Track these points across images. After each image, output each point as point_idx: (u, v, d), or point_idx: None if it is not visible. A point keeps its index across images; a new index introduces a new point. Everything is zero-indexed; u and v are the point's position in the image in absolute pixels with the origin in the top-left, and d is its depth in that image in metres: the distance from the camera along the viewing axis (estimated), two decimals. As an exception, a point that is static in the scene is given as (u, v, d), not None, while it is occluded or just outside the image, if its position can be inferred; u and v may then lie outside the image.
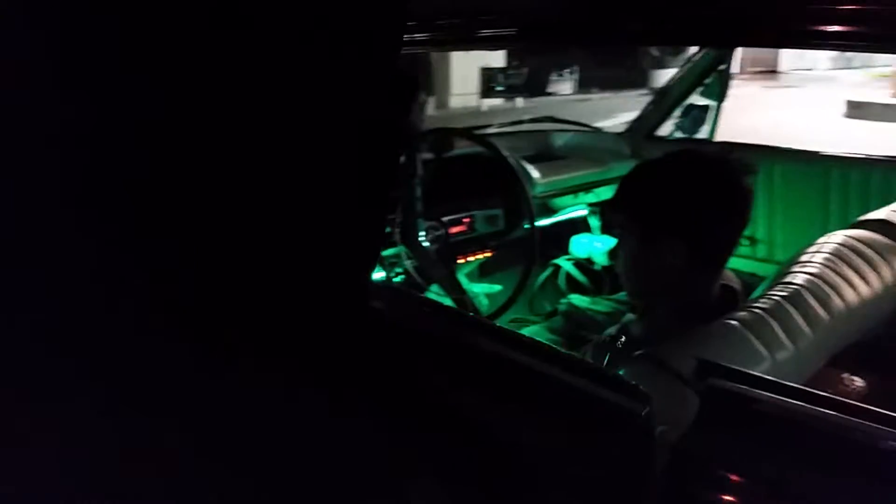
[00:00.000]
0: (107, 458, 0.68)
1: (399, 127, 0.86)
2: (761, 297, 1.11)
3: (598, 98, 12.24)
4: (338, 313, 0.82)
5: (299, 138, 0.73)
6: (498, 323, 2.45)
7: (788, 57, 17.73)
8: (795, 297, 1.09)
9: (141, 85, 0.64)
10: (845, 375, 1.12)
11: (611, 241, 2.75)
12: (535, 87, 2.50)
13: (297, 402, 0.79)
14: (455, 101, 11.48)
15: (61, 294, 0.66)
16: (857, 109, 9.70)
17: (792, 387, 0.83)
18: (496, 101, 11.98)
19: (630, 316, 1.33)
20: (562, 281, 2.64)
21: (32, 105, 0.61)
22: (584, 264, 2.66)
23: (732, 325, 1.02)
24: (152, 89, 0.65)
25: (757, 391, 0.82)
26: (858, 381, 1.11)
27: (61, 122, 0.62)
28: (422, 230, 1.84)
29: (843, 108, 9.94)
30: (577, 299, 2.20)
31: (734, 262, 2.49)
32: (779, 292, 1.11)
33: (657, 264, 1.16)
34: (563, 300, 2.40)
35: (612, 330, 1.24)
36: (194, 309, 0.72)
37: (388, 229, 1.83)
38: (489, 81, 2.28)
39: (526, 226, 2.42)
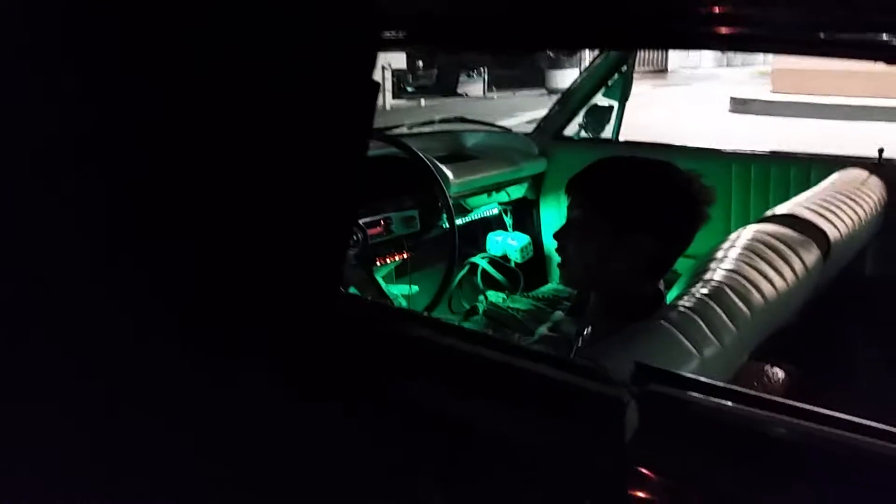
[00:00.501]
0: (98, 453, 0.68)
1: (365, 130, 0.83)
2: (684, 294, 1.13)
3: (499, 97, 12.48)
4: (308, 312, 0.83)
5: (271, 143, 0.73)
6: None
7: (676, 57, 18.60)
8: (717, 294, 1.11)
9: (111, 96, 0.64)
10: (767, 367, 1.16)
11: (524, 239, 2.81)
12: (445, 88, 2.46)
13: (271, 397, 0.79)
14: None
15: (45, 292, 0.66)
16: (741, 105, 10.28)
17: (721, 386, 0.84)
18: (402, 102, 12.06)
19: (559, 314, 1.33)
20: (479, 279, 2.64)
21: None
22: (500, 262, 2.68)
23: (663, 325, 1.02)
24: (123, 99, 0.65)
25: (691, 394, 0.82)
26: (779, 372, 1.14)
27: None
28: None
29: (728, 104, 10.50)
30: (495, 296, 2.20)
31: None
32: (701, 290, 1.12)
33: (619, 258, 1.18)
34: (480, 297, 2.41)
35: (543, 329, 1.23)
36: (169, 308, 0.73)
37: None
38: (399, 82, 2.24)
39: (445, 226, 2.41)
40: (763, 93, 10.70)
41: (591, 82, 2.64)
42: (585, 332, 1.17)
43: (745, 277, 1.18)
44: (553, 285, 2.51)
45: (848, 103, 8.98)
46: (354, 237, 1.81)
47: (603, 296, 1.22)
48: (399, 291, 2.42)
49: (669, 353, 0.99)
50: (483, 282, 2.64)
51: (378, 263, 2.15)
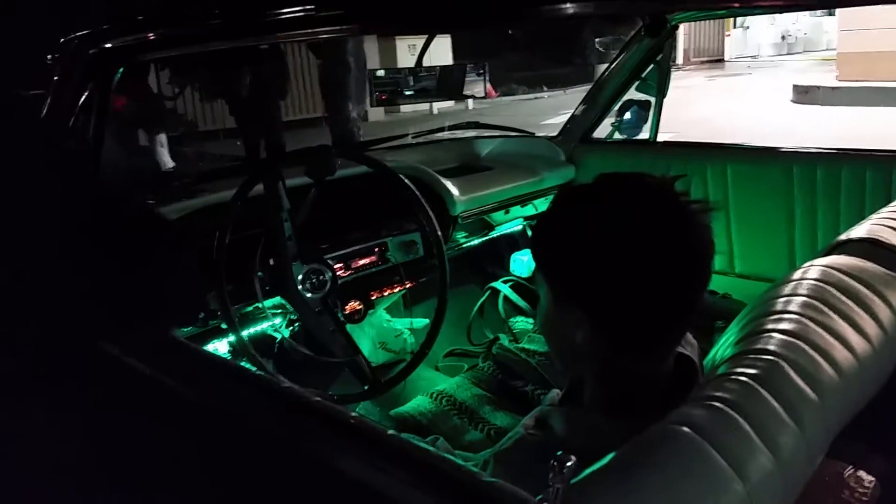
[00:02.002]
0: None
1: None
2: (723, 375, 0.79)
3: (549, 96, 12.10)
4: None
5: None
6: (434, 357, 2.14)
7: (733, 45, 17.79)
8: (771, 376, 0.77)
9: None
10: (849, 471, 0.80)
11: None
12: (449, 90, 2.18)
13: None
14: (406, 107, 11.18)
15: None
16: (805, 94, 9.60)
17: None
18: (450, 104, 11.81)
19: (552, 394, 1.01)
20: (501, 306, 2.33)
21: None
22: (526, 284, 2.36)
23: (685, 433, 0.68)
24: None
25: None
26: (866, 478, 0.79)
27: None
28: (298, 275, 1.49)
29: (791, 94, 9.84)
30: (524, 323, 1.90)
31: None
32: (747, 368, 0.78)
33: (565, 333, 0.81)
34: (505, 327, 2.11)
35: (519, 428, 0.89)
36: None
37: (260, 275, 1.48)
38: (394, 85, 1.94)
39: (465, 245, 2.11)
40: (828, 80, 9.99)
41: (623, 75, 2.29)
42: (574, 432, 0.82)
43: (813, 344, 0.83)
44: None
45: (925, 87, 8.26)
46: (314, 278, 1.51)
47: (593, 382, 0.86)
48: (403, 325, 2.13)
49: (697, 483, 0.65)
50: (506, 308, 2.32)
51: (373, 296, 1.87)
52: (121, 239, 1.05)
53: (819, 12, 18.84)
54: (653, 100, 2.29)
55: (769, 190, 1.96)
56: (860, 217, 1.75)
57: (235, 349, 1.50)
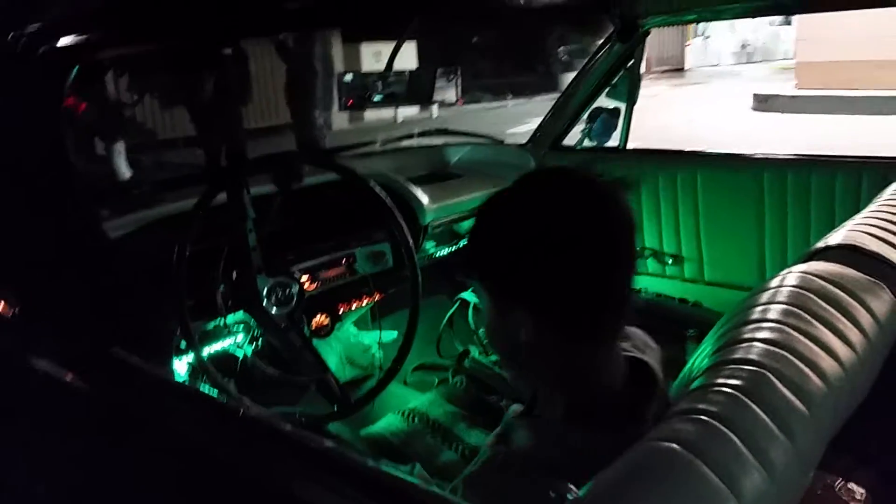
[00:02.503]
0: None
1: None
2: (705, 385, 0.75)
3: (513, 105, 12.14)
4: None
5: None
6: (403, 371, 2.10)
7: (693, 54, 18.09)
8: (757, 387, 0.74)
9: None
10: (840, 484, 0.78)
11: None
12: (419, 95, 2.13)
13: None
14: (369, 114, 11.09)
15: None
16: (764, 102, 9.77)
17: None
18: (409, 112, 11.79)
19: (514, 407, 0.97)
20: (470, 317, 2.28)
21: None
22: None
23: (674, 451, 0.65)
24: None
25: None
26: (858, 490, 0.76)
27: None
28: (263, 289, 1.42)
29: (751, 102, 10.02)
30: (475, 354, 1.84)
31: (656, 285, 2.24)
32: (730, 379, 0.75)
33: (510, 336, 0.80)
34: (472, 348, 2.06)
35: (492, 437, 0.86)
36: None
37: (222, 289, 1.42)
38: (362, 90, 1.89)
39: (438, 255, 2.06)
40: (787, 88, 10.19)
41: (593, 82, 2.27)
42: (541, 447, 0.79)
43: (796, 353, 0.81)
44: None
45: (879, 95, 8.46)
46: (280, 292, 1.45)
47: (547, 387, 0.84)
48: (372, 340, 2.07)
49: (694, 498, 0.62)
50: (477, 319, 2.28)
51: (341, 310, 1.81)
52: (63, 252, 0.98)
53: (777, 22, 19.29)
54: (622, 107, 2.28)
55: (739, 197, 1.96)
56: (830, 223, 1.76)
57: (195, 369, 1.43)
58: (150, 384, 0.92)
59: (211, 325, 1.48)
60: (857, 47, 8.80)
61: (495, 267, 0.79)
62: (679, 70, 17.53)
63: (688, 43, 17.95)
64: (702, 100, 11.51)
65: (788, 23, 19.32)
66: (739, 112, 9.69)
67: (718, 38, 18.45)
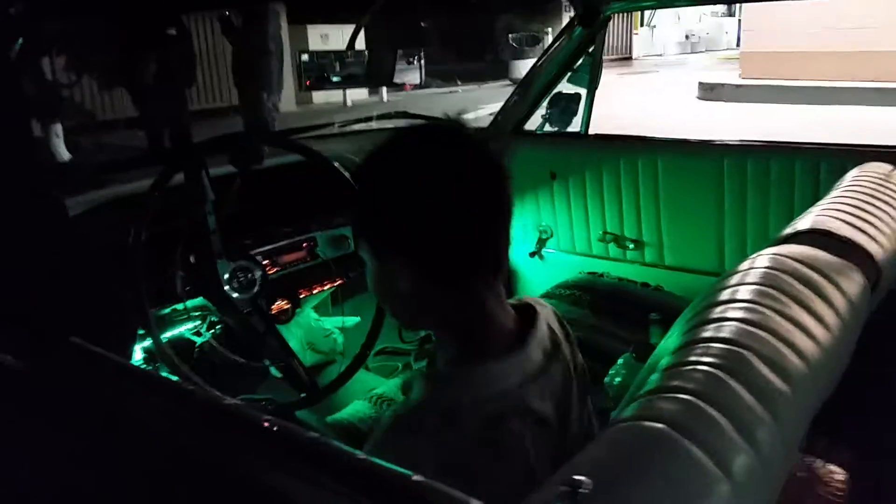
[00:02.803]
0: None
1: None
2: (680, 363, 0.74)
3: (463, 90, 12.12)
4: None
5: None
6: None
7: (639, 44, 18.35)
8: (736, 366, 0.73)
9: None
10: (818, 466, 0.78)
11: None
12: (379, 76, 2.06)
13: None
14: (318, 97, 10.90)
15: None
16: (710, 91, 9.99)
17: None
18: (364, 96, 11.63)
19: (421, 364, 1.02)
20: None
21: None
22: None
23: (663, 432, 0.64)
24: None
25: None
26: (836, 473, 0.77)
27: None
28: (224, 274, 1.37)
29: (696, 91, 10.22)
30: None
31: (618, 270, 2.26)
32: (708, 357, 0.74)
33: (394, 287, 0.83)
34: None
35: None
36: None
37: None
38: (320, 70, 1.83)
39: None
40: (732, 77, 10.43)
41: (555, 67, 2.26)
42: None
43: (773, 332, 0.80)
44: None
45: (821, 85, 8.73)
46: (242, 276, 1.40)
47: (440, 336, 0.90)
48: (333, 325, 2.03)
49: (685, 488, 0.61)
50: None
51: (302, 294, 1.77)
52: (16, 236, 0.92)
53: (721, 12, 19.67)
54: (584, 92, 2.28)
55: (700, 182, 1.98)
56: (789, 209, 1.80)
57: (152, 355, 1.37)
58: (111, 372, 0.87)
59: (168, 309, 1.42)
60: (800, 38, 9.05)
61: (369, 221, 0.83)
62: (626, 59, 17.78)
63: (635, 32, 18.21)
64: (649, 88, 11.70)
65: (731, 14, 19.75)
66: (686, 101, 9.88)
67: (664, 27, 18.78)
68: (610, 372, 1.54)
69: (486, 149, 0.82)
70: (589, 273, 2.16)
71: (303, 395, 1.36)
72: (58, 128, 5.95)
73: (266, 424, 0.80)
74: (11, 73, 0.90)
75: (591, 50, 2.20)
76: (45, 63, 6.23)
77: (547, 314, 0.91)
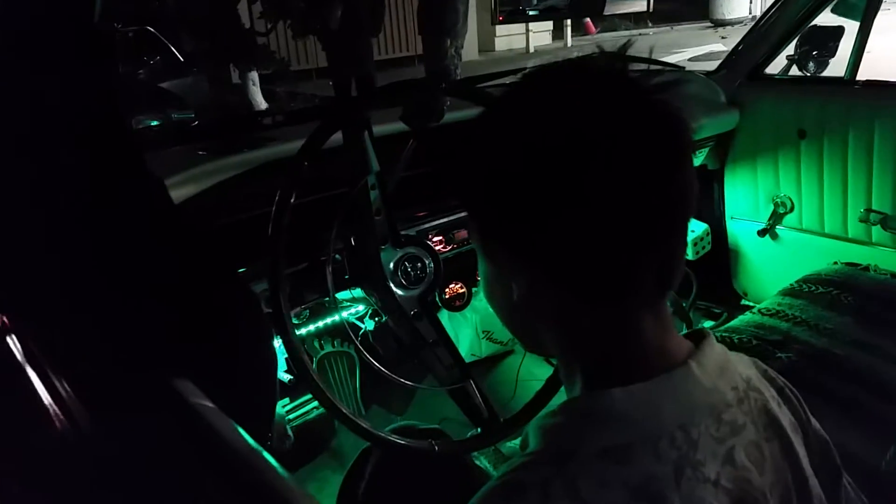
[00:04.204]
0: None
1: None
2: None
3: (654, 32, 11.27)
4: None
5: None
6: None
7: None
8: None
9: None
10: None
11: (699, 227, 1.99)
12: (588, 7, 1.65)
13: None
14: (500, 43, 10.49)
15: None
16: None
17: None
18: (547, 41, 11.09)
19: None
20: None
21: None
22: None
23: None
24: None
25: None
26: None
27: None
28: (389, 264, 1.08)
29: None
30: None
31: (890, 262, 1.72)
32: None
33: (507, 297, 0.57)
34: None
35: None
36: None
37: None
38: (515, 2, 1.49)
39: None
40: None
41: (813, -7, 1.74)
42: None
43: None
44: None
45: None
46: (409, 268, 1.10)
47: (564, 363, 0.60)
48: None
49: None
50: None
51: (478, 277, 1.46)
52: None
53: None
54: (848, 26, 1.75)
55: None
56: None
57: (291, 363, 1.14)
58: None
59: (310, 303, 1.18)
60: None
61: (477, 197, 0.56)
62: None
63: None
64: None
65: None
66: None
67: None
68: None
69: (665, 103, 0.50)
70: (847, 264, 1.65)
71: (478, 429, 1.04)
72: (254, 75, 6.09)
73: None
74: (103, 60, 0.66)
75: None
76: (242, 10, 6.40)
77: (739, 359, 0.61)
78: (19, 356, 0.63)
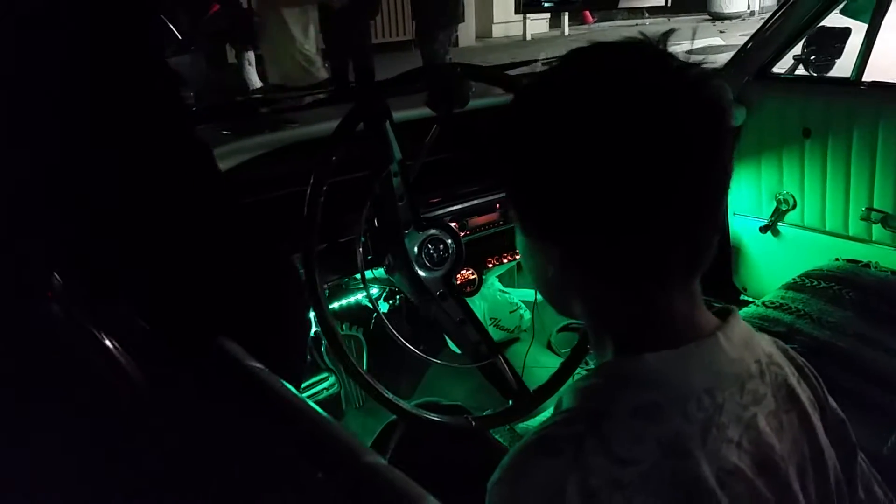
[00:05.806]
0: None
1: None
2: None
3: (650, 23, 11.24)
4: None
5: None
6: (546, 333, 1.80)
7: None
8: None
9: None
10: None
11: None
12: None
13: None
14: (497, 30, 10.43)
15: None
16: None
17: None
18: (544, 29, 11.05)
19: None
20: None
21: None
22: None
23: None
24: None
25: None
26: None
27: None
28: (413, 247, 1.10)
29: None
30: None
31: (890, 260, 1.77)
32: None
33: (542, 273, 0.61)
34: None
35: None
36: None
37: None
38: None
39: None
40: None
41: (823, -6, 1.77)
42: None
43: None
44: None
45: None
46: (433, 249, 1.12)
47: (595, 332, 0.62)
48: (518, 297, 1.76)
49: None
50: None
51: (489, 264, 1.50)
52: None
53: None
54: (862, 26, 1.77)
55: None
56: None
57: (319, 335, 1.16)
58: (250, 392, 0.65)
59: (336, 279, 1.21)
60: None
61: (509, 175, 0.57)
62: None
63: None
64: None
65: None
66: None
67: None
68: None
69: (710, 87, 0.51)
70: (849, 261, 1.70)
71: (510, 403, 1.08)
72: (250, 55, 6.05)
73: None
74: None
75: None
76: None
77: (761, 336, 0.64)
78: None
